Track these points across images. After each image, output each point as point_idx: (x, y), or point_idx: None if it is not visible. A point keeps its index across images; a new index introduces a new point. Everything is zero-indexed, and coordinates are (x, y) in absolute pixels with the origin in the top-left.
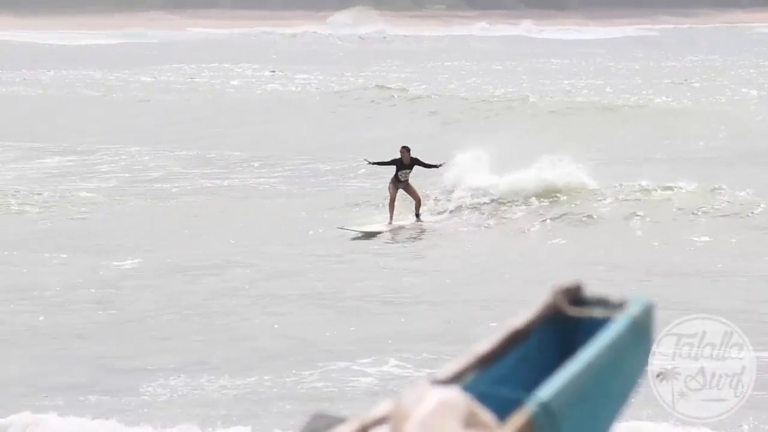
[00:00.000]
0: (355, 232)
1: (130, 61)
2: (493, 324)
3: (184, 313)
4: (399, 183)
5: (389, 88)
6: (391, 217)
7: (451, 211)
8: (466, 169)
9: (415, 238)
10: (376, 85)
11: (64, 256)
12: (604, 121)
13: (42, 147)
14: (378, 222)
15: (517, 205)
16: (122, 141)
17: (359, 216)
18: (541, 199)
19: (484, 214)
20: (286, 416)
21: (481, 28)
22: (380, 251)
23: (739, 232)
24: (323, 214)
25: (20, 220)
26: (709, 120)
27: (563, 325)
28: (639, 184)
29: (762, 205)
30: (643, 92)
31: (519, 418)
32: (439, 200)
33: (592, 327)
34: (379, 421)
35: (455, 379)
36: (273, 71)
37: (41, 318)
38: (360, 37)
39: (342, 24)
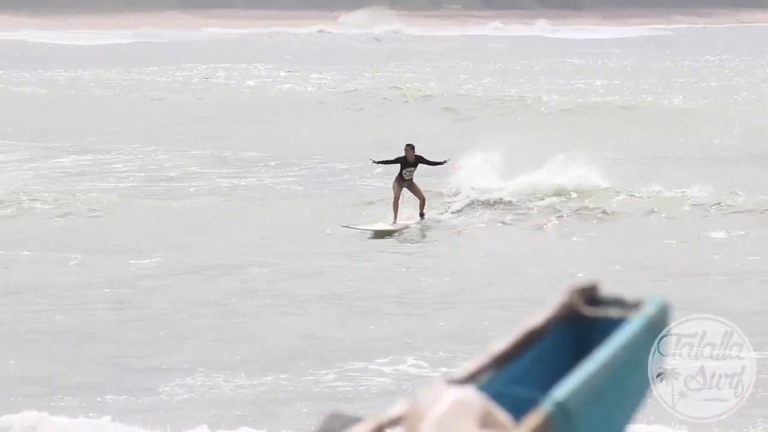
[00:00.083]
0: (361, 231)
1: (145, 60)
2: (509, 323)
3: (201, 313)
4: (403, 181)
5: (400, 89)
6: (396, 216)
7: (461, 210)
8: (477, 169)
9: (430, 237)
10: (391, 87)
11: (81, 255)
12: (619, 119)
13: (58, 147)
14: (383, 221)
15: (531, 202)
16: (137, 140)
17: (374, 214)
18: (556, 197)
19: (497, 211)
20: (302, 416)
21: (496, 28)
22: (397, 250)
23: (756, 229)
24: (340, 213)
25: (37, 220)
26: (724, 119)
27: (579, 325)
28: (652, 189)
29: None
30: (659, 91)
31: (535, 417)
32: (452, 200)
33: (608, 327)
34: (395, 421)
35: (471, 378)
36: (289, 71)
37: (58, 317)
38: (375, 38)
39: (357, 24)
